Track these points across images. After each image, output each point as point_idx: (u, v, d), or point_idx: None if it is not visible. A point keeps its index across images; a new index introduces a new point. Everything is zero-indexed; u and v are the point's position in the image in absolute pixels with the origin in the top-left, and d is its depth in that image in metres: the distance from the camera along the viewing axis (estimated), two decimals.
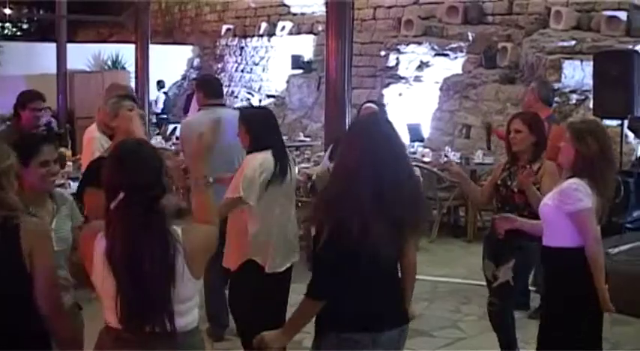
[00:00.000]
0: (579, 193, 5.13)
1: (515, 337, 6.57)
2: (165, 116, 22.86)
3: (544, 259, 5.48)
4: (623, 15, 14.82)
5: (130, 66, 20.27)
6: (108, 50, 25.05)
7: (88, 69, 23.81)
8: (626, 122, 11.10)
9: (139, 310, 3.40)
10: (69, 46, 20.72)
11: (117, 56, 24.52)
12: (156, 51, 18.07)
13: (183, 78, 26.46)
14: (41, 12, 31.73)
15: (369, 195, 3.87)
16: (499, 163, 6.86)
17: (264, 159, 5.92)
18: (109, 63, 24.81)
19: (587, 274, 5.14)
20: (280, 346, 4.14)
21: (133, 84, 18.39)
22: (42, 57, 22.00)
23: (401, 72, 18.20)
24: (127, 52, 21.75)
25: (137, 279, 3.36)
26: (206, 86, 7.97)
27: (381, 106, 7.36)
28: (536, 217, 5.76)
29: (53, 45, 20.65)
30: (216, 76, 23.73)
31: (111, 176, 3.44)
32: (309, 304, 4.02)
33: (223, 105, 8.10)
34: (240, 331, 6.25)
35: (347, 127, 9.17)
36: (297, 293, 4.61)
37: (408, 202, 4.00)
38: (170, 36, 27.96)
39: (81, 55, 23.13)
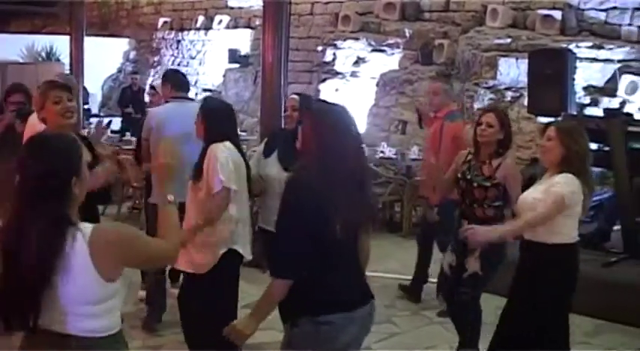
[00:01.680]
0: (575, 187, 5.54)
1: (479, 334, 6.60)
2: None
3: (530, 253, 5.74)
4: (557, 14, 14.99)
5: (65, 58, 20.01)
6: (42, 41, 24.66)
7: (21, 60, 23.45)
8: (559, 120, 11.21)
9: (3, 301, 3.21)
10: (1, 36, 20.40)
11: (51, 48, 24.18)
12: (91, 43, 17.87)
13: (119, 71, 26.20)
14: None
15: (340, 180, 3.98)
16: (460, 154, 6.80)
17: (228, 148, 5.91)
18: (43, 54, 24.46)
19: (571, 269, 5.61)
20: (252, 333, 4.11)
21: None
22: None
23: (338, 67, 18.20)
24: (61, 44, 21.44)
25: (11, 267, 3.17)
26: (173, 79, 8.02)
27: (307, 97, 7.32)
28: (495, 209, 6.40)
29: None
30: (153, 69, 23.63)
31: (18, 160, 3.27)
32: (276, 283, 4.02)
33: (191, 99, 8.14)
34: (196, 331, 6.22)
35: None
36: None
37: (368, 188, 4.23)
38: (106, 28, 27.63)
39: (14, 46, 22.79)
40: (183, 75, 8.35)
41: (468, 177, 6.52)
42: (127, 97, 19.59)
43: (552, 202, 5.50)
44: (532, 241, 5.70)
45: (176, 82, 7.92)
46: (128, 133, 14.31)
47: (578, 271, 5.77)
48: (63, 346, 3.26)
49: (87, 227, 3.25)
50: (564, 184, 5.51)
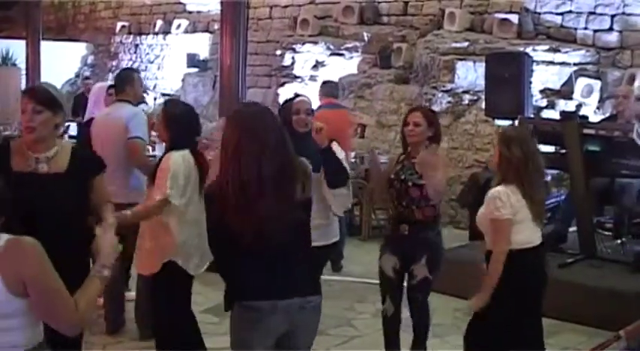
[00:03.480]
0: (498, 202, 5.51)
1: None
2: None
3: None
4: (514, 18, 15.13)
5: (22, 62, 19.85)
6: None
7: None
8: (516, 122, 11.29)
9: None
10: None
11: (7, 52, 23.95)
12: (48, 47, 17.77)
13: (77, 75, 26.02)
14: None
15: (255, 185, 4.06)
16: (391, 157, 6.81)
17: (186, 159, 5.88)
18: None
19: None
20: None
21: (23, 81, 18.06)
22: None
23: (296, 71, 18.21)
24: (17, 48, 21.27)
25: None
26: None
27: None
28: (433, 208, 6.33)
29: None
30: (112, 73, 23.49)
31: None
32: None
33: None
34: (159, 333, 6.22)
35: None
36: None
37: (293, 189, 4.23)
38: (63, 33, 27.43)
39: None
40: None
41: (402, 177, 6.40)
42: (79, 103, 19.54)
43: (495, 233, 5.58)
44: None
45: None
46: None
47: (543, 274, 5.79)
48: None
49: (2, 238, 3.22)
50: (491, 206, 5.55)
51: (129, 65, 24.09)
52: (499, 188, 5.57)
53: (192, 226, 5.94)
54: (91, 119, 8.33)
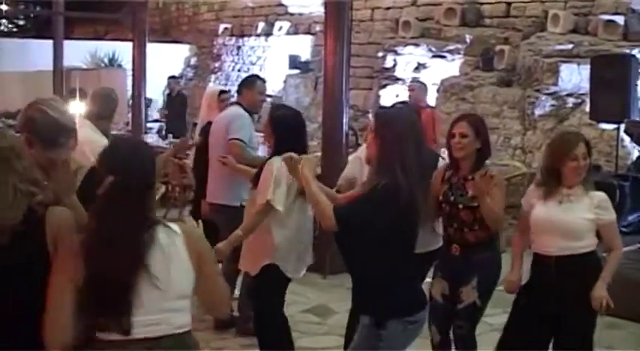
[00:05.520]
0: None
1: None
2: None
3: (562, 268, 5.47)
4: (620, 19, 14.83)
5: (127, 64, 20.22)
6: (104, 48, 24.96)
7: (84, 66, 23.73)
8: (622, 126, 11.12)
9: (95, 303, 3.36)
10: (66, 42, 20.67)
11: (113, 54, 24.45)
12: (152, 49, 18.04)
13: (180, 76, 26.39)
14: (37, 9, 31.68)
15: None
16: (436, 173, 6.09)
17: None
18: (106, 60, 24.74)
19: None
20: None
21: (129, 82, 18.40)
22: (38, 54, 21.90)
23: (398, 73, 18.17)
24: (123, 50, 21.69)
25: (102, 268, 3.33)
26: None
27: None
28: (487, 230, 5.80)
29: (49, 42, 20.59)
30: (214, 75, 23.80)
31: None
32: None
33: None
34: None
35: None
36: None
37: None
38: (167, 34, 27.89)
39: (77, 52, 23.04)
40: None
41: (452, 199, 5.84)
42: (169, 104, 20.03)
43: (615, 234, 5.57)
44: (572, 254, 5.47)
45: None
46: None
47: None
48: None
49: (172, 224, 3.46)
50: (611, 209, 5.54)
51: (231, 67, 24.38)
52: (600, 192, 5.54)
53: (293, 230, 6.00)
54: (208, 124, 8.50)
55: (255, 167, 6.71)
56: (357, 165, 6.43)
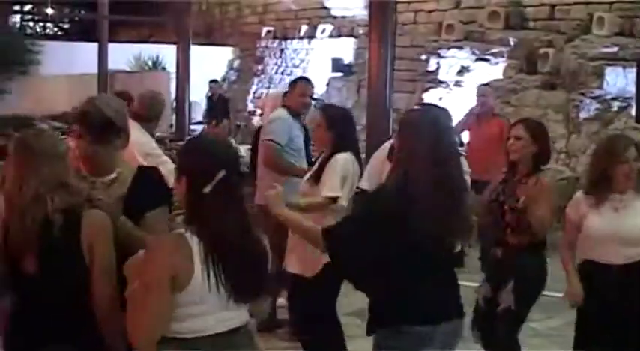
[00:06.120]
0: None
1: None
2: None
3: (625, 277, 5.39)
4: None
5: (170, 66, 20.37)
6: (148, 51, 25.16)
7: (128, 69, 23.92)
8: None
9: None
10: (110, 45, 20.85)
11: (157, 57, 24.62)
12: (196, 52, 18.15)
13: (223, 79, 26.52)
14: (82, 12, 31.98)
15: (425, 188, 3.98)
16: (494, 182, 6.10)
17: (352, 161, 5.97)
18: (150, 63, 24.92)
19: None
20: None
21: (173, 85, 18.54)
22: (83, 57, 22.12)
23: (441, 76, 18.13)
24: (167, 53, 21.83)
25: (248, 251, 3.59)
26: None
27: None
28: (532, 235, 5.72)
29: (94, 45, 20.81)
30: (257, 77, 23.88)
31: None
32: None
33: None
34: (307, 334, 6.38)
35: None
36: None
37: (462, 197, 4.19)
38: (210, 37, 28.03)
39: (121, 55, 23.24)
40: None
41: (501, 199, 5.83)
42: (208, 106, 20.15)
43: None
44: (635, 262, 5.39)
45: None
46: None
47: None
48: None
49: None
50: None
51: (274, 69, 24.45)
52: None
53: None
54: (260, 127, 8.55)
55: (286, 174, 6.78)
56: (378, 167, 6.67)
